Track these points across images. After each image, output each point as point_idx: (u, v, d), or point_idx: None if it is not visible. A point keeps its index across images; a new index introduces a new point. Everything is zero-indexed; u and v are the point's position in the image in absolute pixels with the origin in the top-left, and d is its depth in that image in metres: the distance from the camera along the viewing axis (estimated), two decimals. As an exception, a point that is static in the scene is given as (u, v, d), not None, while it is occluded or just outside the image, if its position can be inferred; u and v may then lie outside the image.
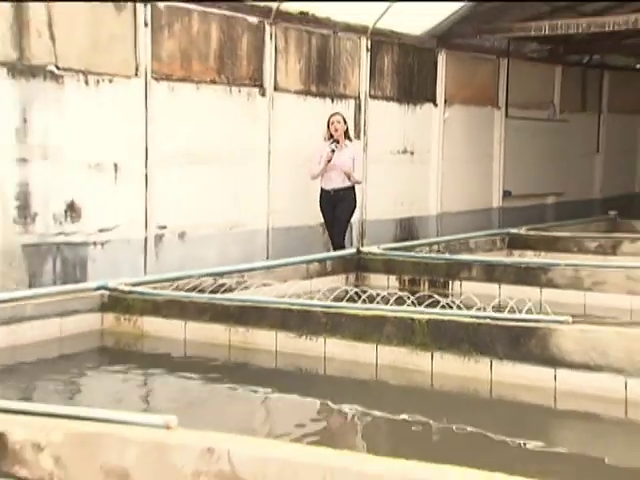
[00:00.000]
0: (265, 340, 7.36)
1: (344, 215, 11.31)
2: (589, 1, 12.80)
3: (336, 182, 11.14)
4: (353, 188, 11.28)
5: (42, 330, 7.65)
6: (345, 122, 11.24)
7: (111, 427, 3.98)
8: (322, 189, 11.19)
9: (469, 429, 5.51)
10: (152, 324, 7.94)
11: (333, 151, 10.94)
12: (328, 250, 11.12)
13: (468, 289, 9.44)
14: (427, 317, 6.74)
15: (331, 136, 11.11)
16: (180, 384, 6.91)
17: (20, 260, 8.68)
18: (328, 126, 11.18)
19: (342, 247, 11.15)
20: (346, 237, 11.47)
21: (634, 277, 9.27)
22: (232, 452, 3.59)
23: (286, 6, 11.29)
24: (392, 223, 13.43)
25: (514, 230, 13.22)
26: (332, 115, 11.28)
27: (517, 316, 6.54)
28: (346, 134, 11.23)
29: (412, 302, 7.33)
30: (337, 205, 11.22)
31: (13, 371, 7.06)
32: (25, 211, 8.85)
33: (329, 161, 10.92)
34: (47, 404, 4.49)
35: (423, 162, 14.07)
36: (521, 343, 6.28)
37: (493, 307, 6.82)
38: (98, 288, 8.23)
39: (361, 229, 12.78)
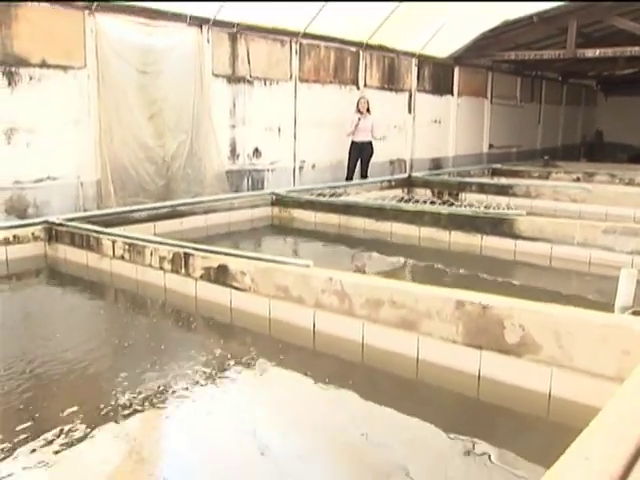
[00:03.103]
0: (358, 223, 7.32)
1: (368, 158, 10.57)
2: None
3: (363, 137, 10.38)
4: (371, 142, 10.52)
5: (242, 216, 7.81)
6: (367, 102, 10.44)
7: (278, 265, 4.10)
8: (353, 141, 10.39)
9: (468, 272, 5.56)
10: (298, 213, 7.96)
11: (359, 119, 10.26)
12: (346, 179, 10.34)
13: (470, 197, 9.39)
14: (447, 211, 6.71)
15: (359, 110, 10.34)
16: (313, 245, 6.99)
17: (226, 179, 8.83)
18: (357, 104, 10.40)
19: (367, 177, 10.52)
20: (369, 169, 10.70)
21: (557, 191, 9.01)
22: (342, 280, 3.68)
23: (371, 41, 10.97)
24: (428, 161, 13.15)
25: (495, 165, 12.88)
26: (360, 97, 10.51)
27: (496, 212, 6.50)
28: (368, 109, 10.40)
29: (439, 204, 7.29)
30: (362, 152, 10.47)
31: (229, 235, 7.29)
32: (232, 153, 9.02)
33: (357, 125, 10.26)
34: (245, 251, 4.62)
35: (445, 127, 13.68)
36: (498, 226, 6.24)
37: (483, 207, 6.82)
38: (270, 193, 8.31)
39: (411, 164, 12.65)
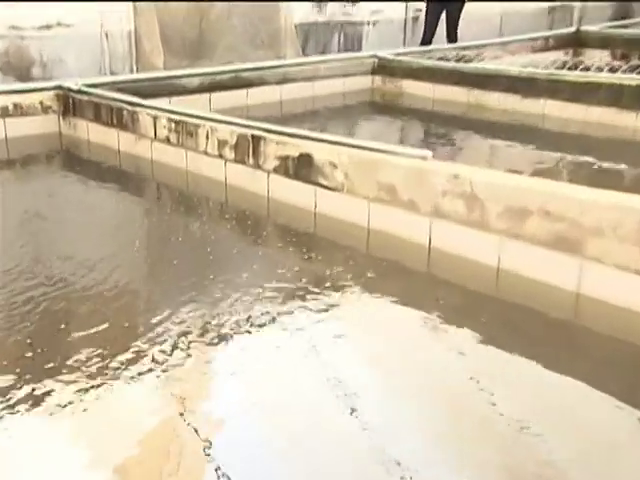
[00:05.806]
0: (496, 101, 7.25)
1: (458, 11, 9.71)
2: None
3: None
4: None
5: (330, 87, 7.88)
6: None
7: (383, 155, 4.11)
8: None
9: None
10: (409, 86, 7.97)
11: None
12: (422, 44, 9.64)
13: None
14: (636, 83, 6.42)
15: None
16: (430, 130, 7.01)
17: (296, 37, 8.79)
18: None
19: (456, 39, 9.78)
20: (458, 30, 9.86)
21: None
22: (473, 178, 3.66)
23: None
24: (609, 6, 12.56)
25: None
26: None
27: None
28: None
29: (622, 72, 7.02)
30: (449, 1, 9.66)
31: (314, 114, 7.40)
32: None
33: None
34: (335, 135, 4.64)
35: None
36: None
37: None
38: (371, 56, 8.31)
39: (581, 12, 12.13)
